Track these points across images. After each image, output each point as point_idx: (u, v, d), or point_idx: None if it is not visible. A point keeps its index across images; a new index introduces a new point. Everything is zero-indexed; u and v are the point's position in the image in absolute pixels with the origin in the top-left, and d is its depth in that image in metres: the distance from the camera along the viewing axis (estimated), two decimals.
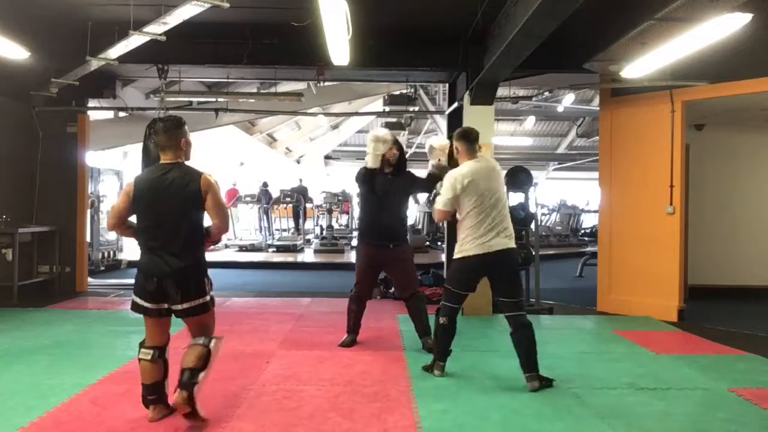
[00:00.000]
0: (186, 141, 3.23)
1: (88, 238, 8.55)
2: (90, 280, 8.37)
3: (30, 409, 3.38)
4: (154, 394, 3.25)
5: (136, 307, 3.18)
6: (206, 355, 3.12)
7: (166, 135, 3.17)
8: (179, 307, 3.10)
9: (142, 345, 3.27)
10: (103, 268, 10.52)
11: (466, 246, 4.04)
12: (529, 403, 3.66)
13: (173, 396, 3.10)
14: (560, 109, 15.45)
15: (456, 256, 4.13)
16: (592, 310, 6.92)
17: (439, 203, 4.12)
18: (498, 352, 4.81)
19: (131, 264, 11.28)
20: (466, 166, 4.13)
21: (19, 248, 7.09)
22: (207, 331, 3.22)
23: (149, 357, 3.20)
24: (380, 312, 6.50)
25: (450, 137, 4.68)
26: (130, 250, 12.11)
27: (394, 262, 4.88)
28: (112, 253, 11.47)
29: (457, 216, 4.16)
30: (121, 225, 3.25)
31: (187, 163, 3.25)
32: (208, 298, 3.16)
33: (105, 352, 4.74)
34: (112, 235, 11.84)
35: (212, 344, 3.18)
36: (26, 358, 4.50)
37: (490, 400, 3.68)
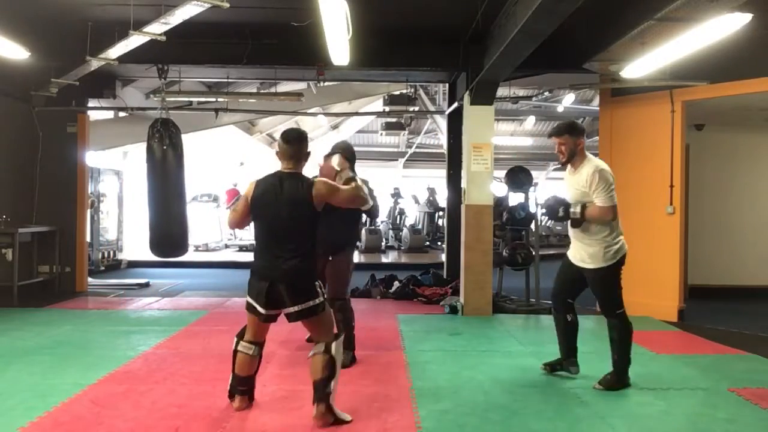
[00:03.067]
0: (307, 154, 3.42)
1: (88, 238, 8.55)
2: (90, 280, 8.36)
3: (30, 409, 3.38)
4: (244, 386, 3.46)
5: (249, 307, 3.33)
6: (331, 363, 3.22)
7: (296, 146, 3.34)
8: (290, 310, 3.22)
9: (240, 337, 3.43)
10: (103, 268, 10.51)
11: (619, 245, 4.01)
12: (529, 403, 3.66)
13: (313, 410, 3.20)
14: (560, 109, 15.44)
15: (612, 261, 4.00)
16: (592, 310, 6.89)
17: (612, 199, 3.83)
18: (498, 352, 4.81)
19: (131, 264, 11.29)
20: (599, 161, 3.96)
21: (19, 248, 7.09)
22: (324, 333, 3.32)
23: (251, 352, 3.39)
24: (380, 312, 6.50)
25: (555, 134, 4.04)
26: (130, 250, 12.12)
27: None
28: (112, 253, 11.46)
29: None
30: (239, 226, 3.55)
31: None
32: (317, 301, 3.24)
33: (105, 352, 4.73)
34: (112, 235, 11.87)
35: (333, 349, 3.25)
36: (26, 358, 4.50)
37: (490, 400, 3.68)
